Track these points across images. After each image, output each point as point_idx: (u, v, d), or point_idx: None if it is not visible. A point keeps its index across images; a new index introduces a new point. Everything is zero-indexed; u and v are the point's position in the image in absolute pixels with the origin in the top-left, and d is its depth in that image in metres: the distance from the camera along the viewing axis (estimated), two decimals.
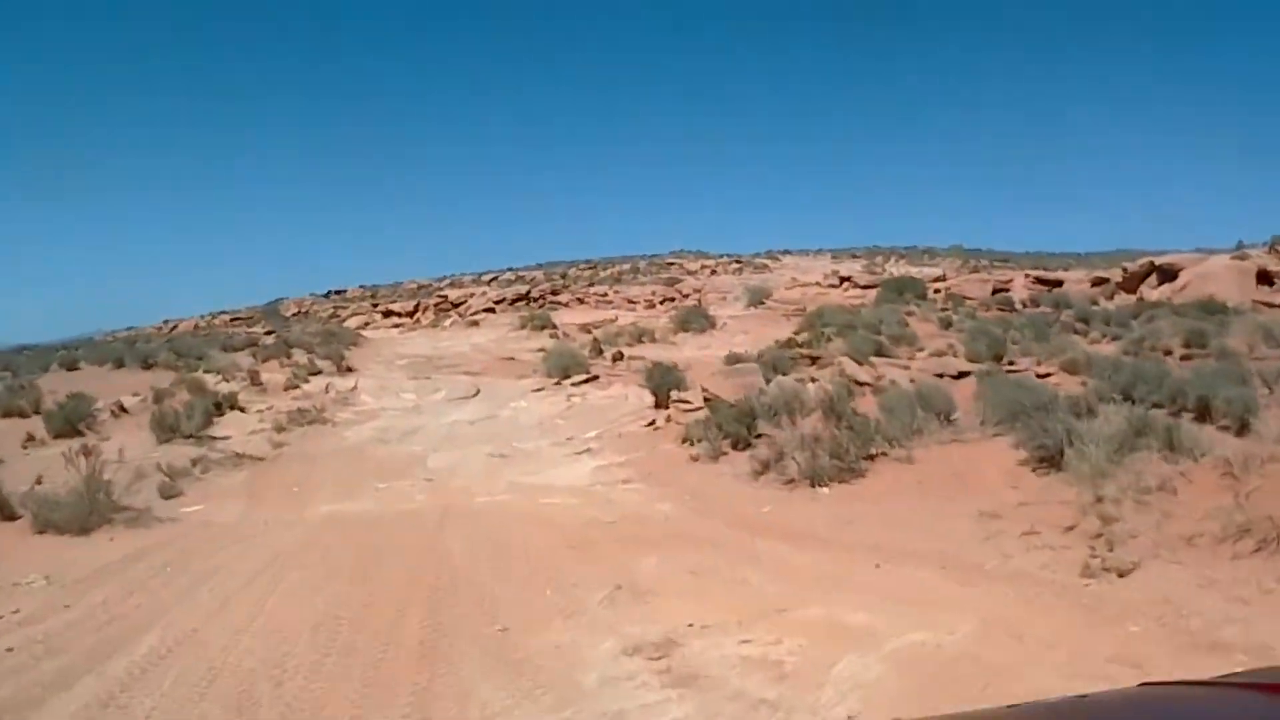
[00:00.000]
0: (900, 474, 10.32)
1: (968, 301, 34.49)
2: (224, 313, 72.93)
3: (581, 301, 57.20)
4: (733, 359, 20.52)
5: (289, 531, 10.22)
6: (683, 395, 16.19)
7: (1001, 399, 11.12)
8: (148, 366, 24.87)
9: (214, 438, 16.88)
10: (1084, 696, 1.58)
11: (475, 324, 44.95)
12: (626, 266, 75.02)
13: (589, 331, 40.99)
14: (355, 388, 23.28)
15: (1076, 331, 21.55)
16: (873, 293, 42.49)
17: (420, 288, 71.86)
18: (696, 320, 39.50)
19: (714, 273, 68.65)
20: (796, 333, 25.76)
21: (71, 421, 17.58)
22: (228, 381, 22.44)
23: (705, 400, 15.77)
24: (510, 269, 79.15)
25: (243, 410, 19.98)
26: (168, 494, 12.32)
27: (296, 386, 22.56)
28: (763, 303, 49.56)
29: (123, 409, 19.08)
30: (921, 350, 19.35)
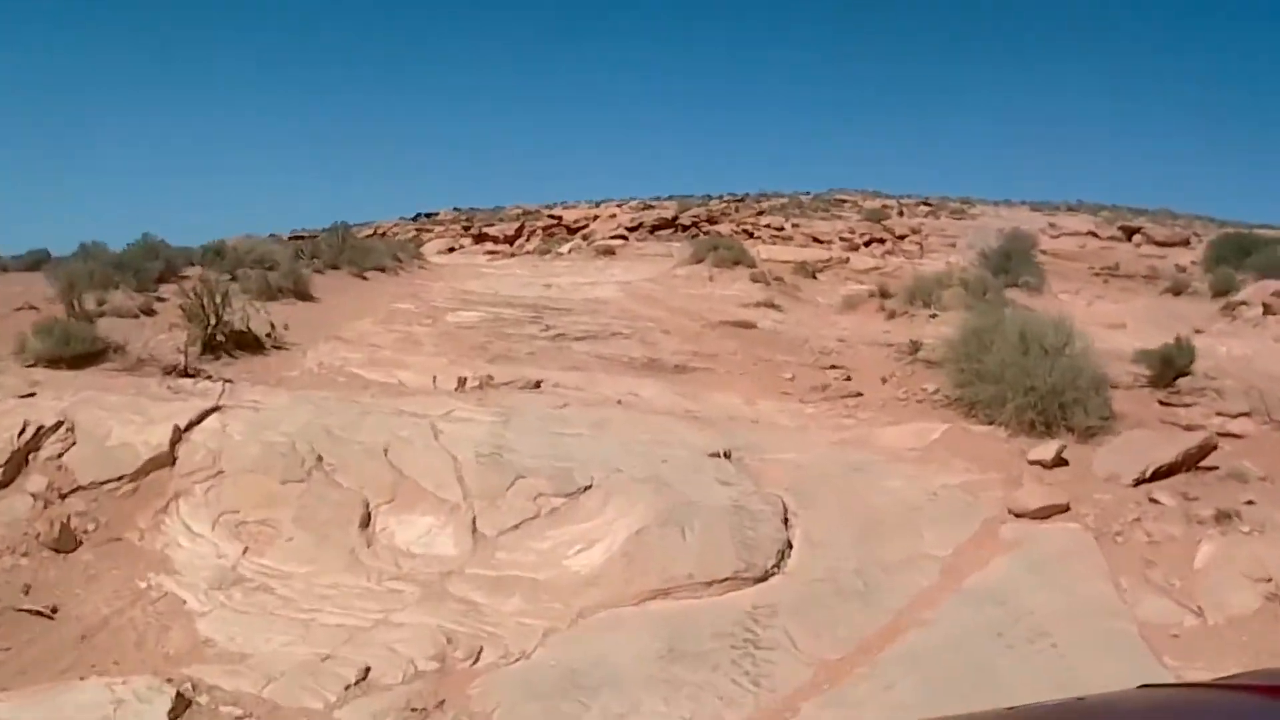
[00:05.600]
0: None
1: None
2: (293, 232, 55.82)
3: (750, 235, 37.16)
4: None
5: None
6: None
7: None
8: None
9: None
10: (1083, 699, 1.42)
11: (610, 253, 25.45)
12: (784, 200, 54.29)
13: (819, 276, 21.37)
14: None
15: None
16: (1175, 250, 29.46)
17: (526, 213, 52.79)
18: (1025, 269, 19.47)
19: (901, 214, 48.18)
20: None
21: None
22: None
23: None
24: (634, 199, 59.34)
25: None
26: None
27: None
28: (1010, 258, 30.34)
29: None
30: None
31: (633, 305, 13.48)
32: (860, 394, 8.04)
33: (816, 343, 10.79)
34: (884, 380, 8.58)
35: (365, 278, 15.67)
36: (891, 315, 13.99)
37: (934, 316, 13.73)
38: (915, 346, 9.07)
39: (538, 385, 7.20)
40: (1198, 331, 14.67)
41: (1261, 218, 35.61)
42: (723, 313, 12.93)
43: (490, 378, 7.09)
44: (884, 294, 15.23)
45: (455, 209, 61.40)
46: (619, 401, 7.03)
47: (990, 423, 6.64)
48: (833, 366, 9.35)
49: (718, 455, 5.39)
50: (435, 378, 6.90)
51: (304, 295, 11.30)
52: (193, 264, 13.91)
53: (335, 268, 16.10)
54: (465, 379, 6.94)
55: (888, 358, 10.11)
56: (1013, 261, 19.39)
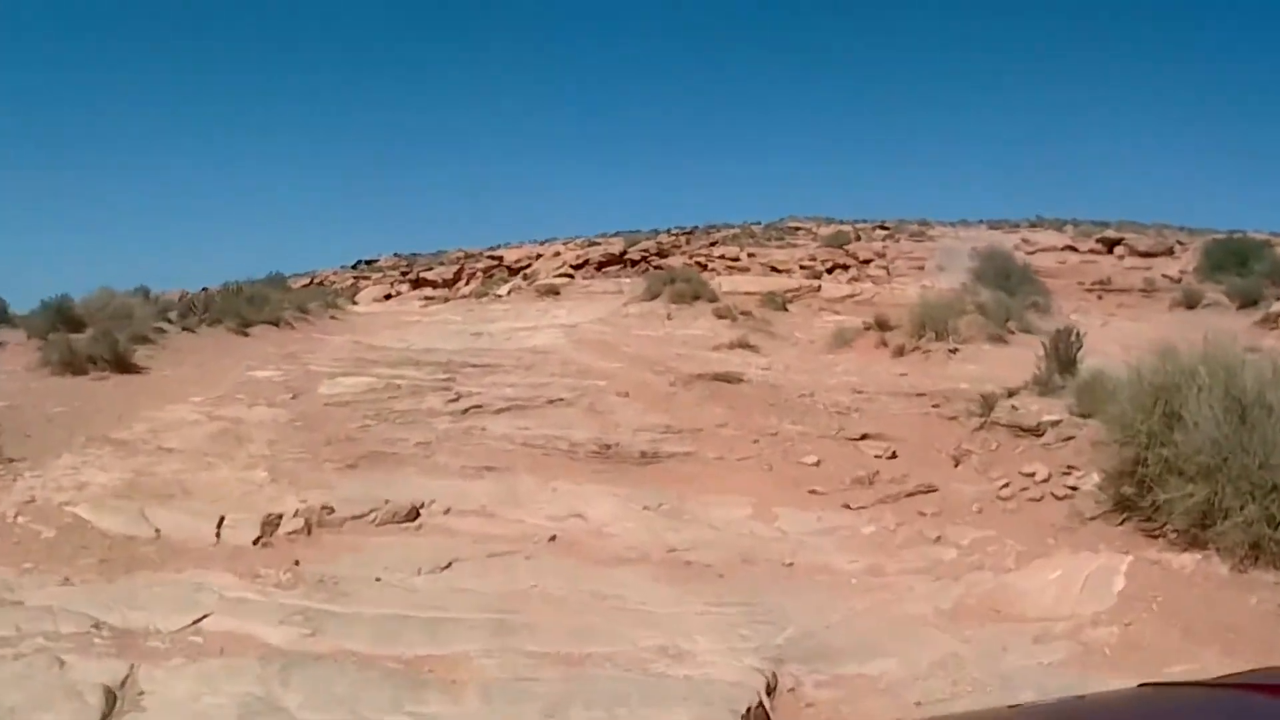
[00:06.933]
0: None
1: None
2: (226, 283, 51.92)
3: (704, 267, 34.65)
4: None
5: None
6: None
7: None
8: None
9: None
10: (1083, 697, 1.40)
11: (554, 292, 22.51)
12: (736, 231, 52.17)
13: (789, 307, 18.70)
14: None
15: None
16: (1160, 260, 27.20)
17: (467, 255, 49.83)
18: (1029, 288, 16.97)
19: (858, 238, 46.41)
20: None
21: None
22: None
23: None
24: (579, 237, 56.70)
25: None
26: None
27: None
28: (1010, 277, 28.21)
29: None
30: None
31: (580, 355, 10.55)
32: (931, 488, 5.16)
33: (825, 397, 7.94)
34: (956, 461, 5.72)
35: (247, 334, 12.52)
36: (900, 352, 11.23)
37: (954, 351, 11.04)
38: (989, 403, 6.23)
39: (414, 516, 4.18)
40: (1252, 350, 12.24)
41: (1232, 223, 33.58)
42: (693, 359, 10.07)
43: (329, 510, 4.05)
44: (882, 325, 12.48)
45: (396, 255, 58.36)
46: (552, 538, 4.04)
47: (1194, 545, 3.80)
48: (864, 436, 6.49)
49: (757, 710, 2.42)
50: (223, 520, 3.85)
51: (124, 365, 8.13)
52: (14, 326, 10.78)
53: (218, 322, 12.95)
54: (280, 517, 3.90)
55: (929, 415, 7.30)
56: (1012, 280, 16.90)
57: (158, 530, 3.77)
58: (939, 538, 4.25)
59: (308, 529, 3.88)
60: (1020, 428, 5.99)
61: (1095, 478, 4.78)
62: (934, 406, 7.75)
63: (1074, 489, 4.81)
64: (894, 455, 6.12)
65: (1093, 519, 4.24)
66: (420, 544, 3.86)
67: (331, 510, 4.07)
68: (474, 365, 9.39)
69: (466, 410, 6.73)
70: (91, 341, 8.12)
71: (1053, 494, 4.78)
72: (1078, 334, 7.64)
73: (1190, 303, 18.23)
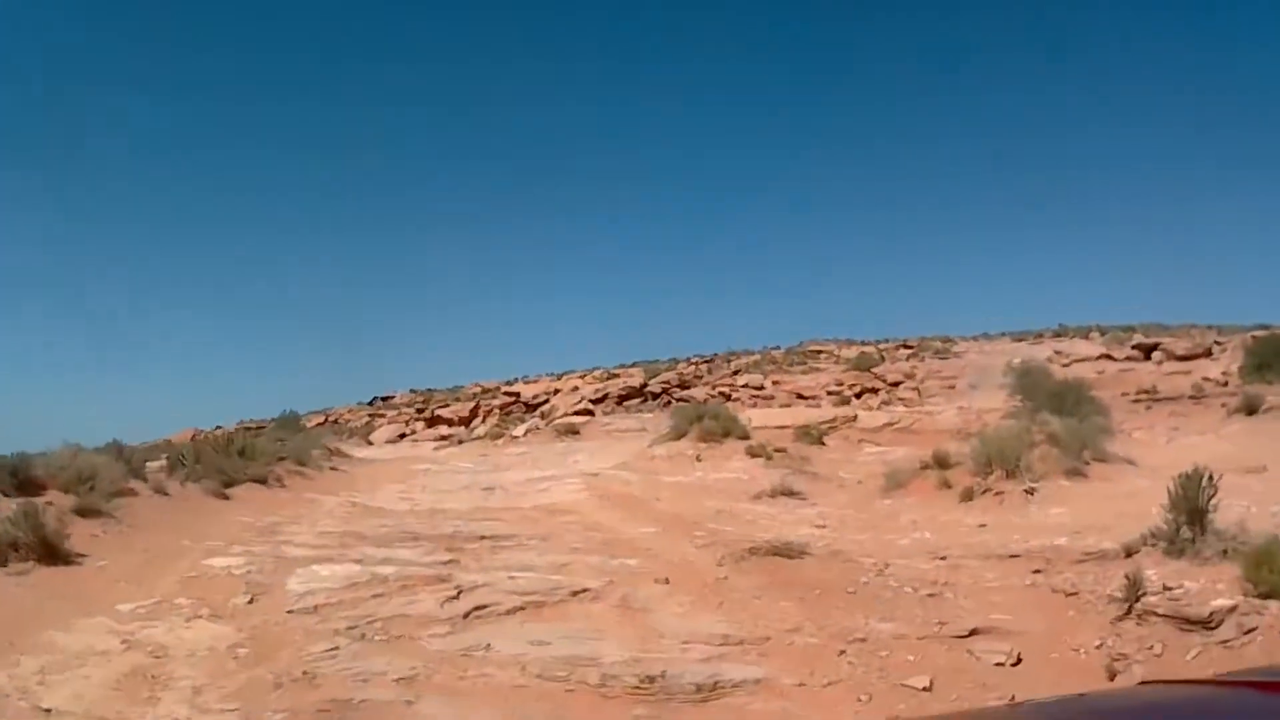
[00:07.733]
0: None
1: None
2: (239, 423, 51.25)
3: (728, 398, 33.55)
4: None
5: None
6: None
7: None
8: None
9: None
10: (1083, 695, 1.38)
11: (573, 432, 21.26)
12: (756, 357, 51.42)
13: (826, 441, 17.42)
14: None
15: None
16: (1200, 363, 26.59)
17: (484, 391, 49.07)
18: (1088, 408, 15.36)
19: (882, 359, 45.52)
20: None
21: None
22: None
23: None
24: (597, 368, 55.97)
25: None
26: None
27: None
28: (1064, 397, 26.82)
29: None
30: None
31: (604, 517, 9.19)
32: None
33: (903, 568, 6.53)
34: (1110, 674, 4.32)
35: (227, 496, 11.25)
36: (969, 496, 9.81)
37: (1031, 492, 9.61)
38: (1134, 585, 4.76)
39: None
40: None
41: (1259, 317, 31.39)
42: (735, 517, 8.71)
43: None
44: (941, 464, 11.07)
45: (413, 390, 57.88)
46: None
47: None
48: (974, 632, 5.05)
49: None
50: None
51: (54, 554, 6.79)
52: None
53: (205, 478, 11.67)
54: None
55: (1038, 588, 5.90)
56: (1068, 400, 15.44)
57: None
58: None
59: None
60: (1185, 619, 4.56)
61: None
62: (1036, 572, 6.34)
63: None
64: (1019, 661, 4.68)
65: None
66: None
67: None
68: (482, 536, 8.06)
69: (468, 614, 5.36)
70: (12, 522, 6.82)
71: None
72: (1210, 477, 6.25)
73: (1250, 408, 16.70)
